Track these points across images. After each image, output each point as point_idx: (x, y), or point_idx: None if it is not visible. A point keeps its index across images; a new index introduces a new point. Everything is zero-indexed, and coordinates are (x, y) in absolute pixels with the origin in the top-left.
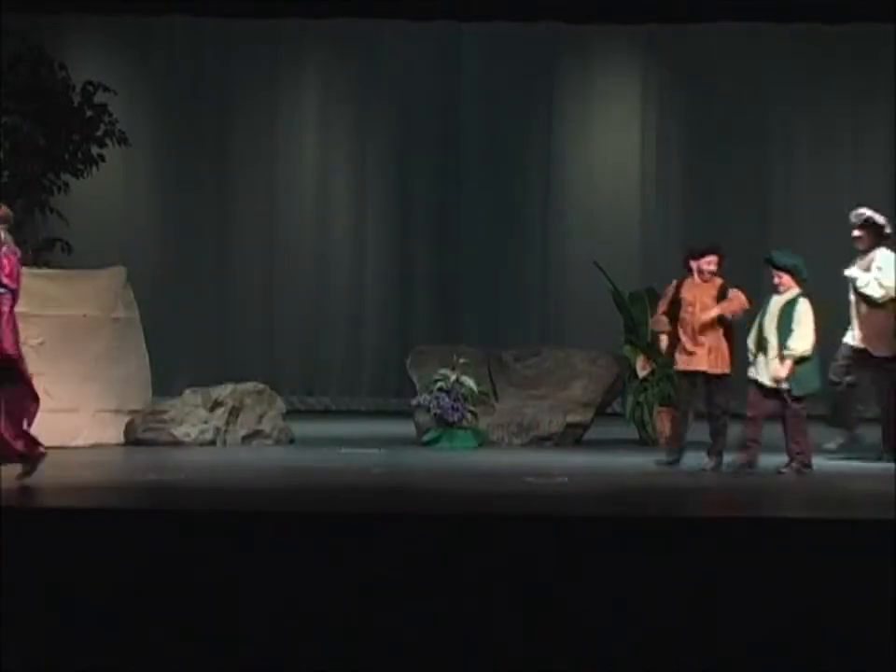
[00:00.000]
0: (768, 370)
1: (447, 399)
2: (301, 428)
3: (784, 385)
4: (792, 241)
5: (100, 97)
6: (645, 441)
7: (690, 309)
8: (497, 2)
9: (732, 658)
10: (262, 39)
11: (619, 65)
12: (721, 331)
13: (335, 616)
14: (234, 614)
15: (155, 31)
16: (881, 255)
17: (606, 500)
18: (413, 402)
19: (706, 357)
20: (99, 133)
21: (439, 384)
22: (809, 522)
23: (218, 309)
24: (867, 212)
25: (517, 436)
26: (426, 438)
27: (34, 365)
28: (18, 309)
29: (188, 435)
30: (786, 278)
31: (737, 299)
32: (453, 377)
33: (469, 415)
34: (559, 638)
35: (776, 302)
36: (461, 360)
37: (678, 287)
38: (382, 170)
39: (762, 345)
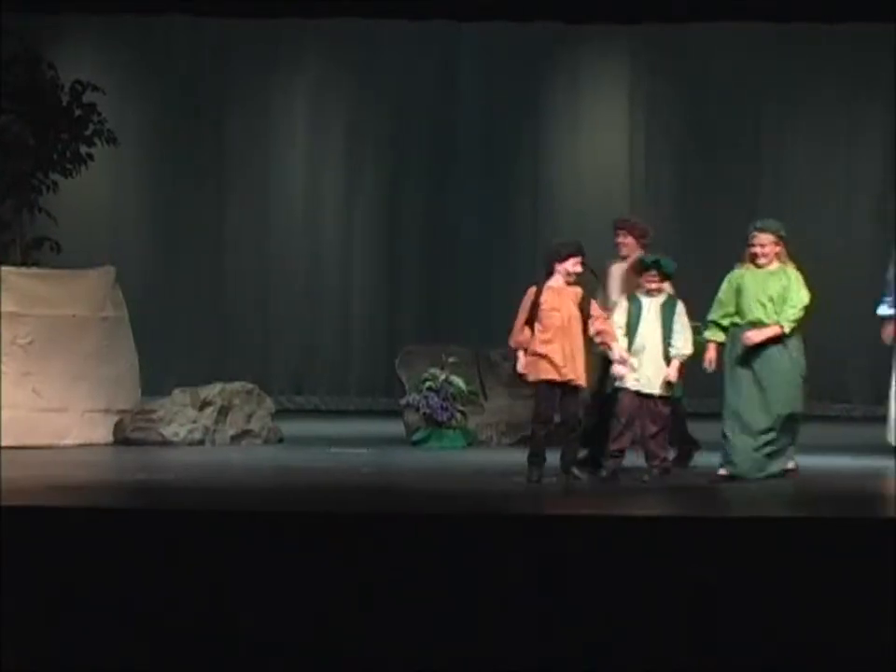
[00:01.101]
0: (649, 374)
1: (436, 399)
2: (291, 428)
3: (658, 391)
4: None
5: (89, 96)
6: None
7: (555, 315)
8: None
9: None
10: (256, 40)
11: (608, 66)
12: (581, 340)
13: (325, 615)
14: (224, 614)
15: (148, 31)
16: None
17: (591, 499)
18: (402, 402)
19: (570, 365)
20: (88, 133)
21: (428, 383)
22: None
23: (208, 309)
24: None
25: (506, 435)
26: (415, 437)
27: (22, 364)
28: (6, 308)
29: (176, 435)
30: (665, 283)
31: (608, 327)
32: (442, 376)
33: (458, 415)
34: (551, 638)
35: (651, 306)
36: (450, 360)
37: (538, 293)
38: (372, 171)
39: (639, 350)
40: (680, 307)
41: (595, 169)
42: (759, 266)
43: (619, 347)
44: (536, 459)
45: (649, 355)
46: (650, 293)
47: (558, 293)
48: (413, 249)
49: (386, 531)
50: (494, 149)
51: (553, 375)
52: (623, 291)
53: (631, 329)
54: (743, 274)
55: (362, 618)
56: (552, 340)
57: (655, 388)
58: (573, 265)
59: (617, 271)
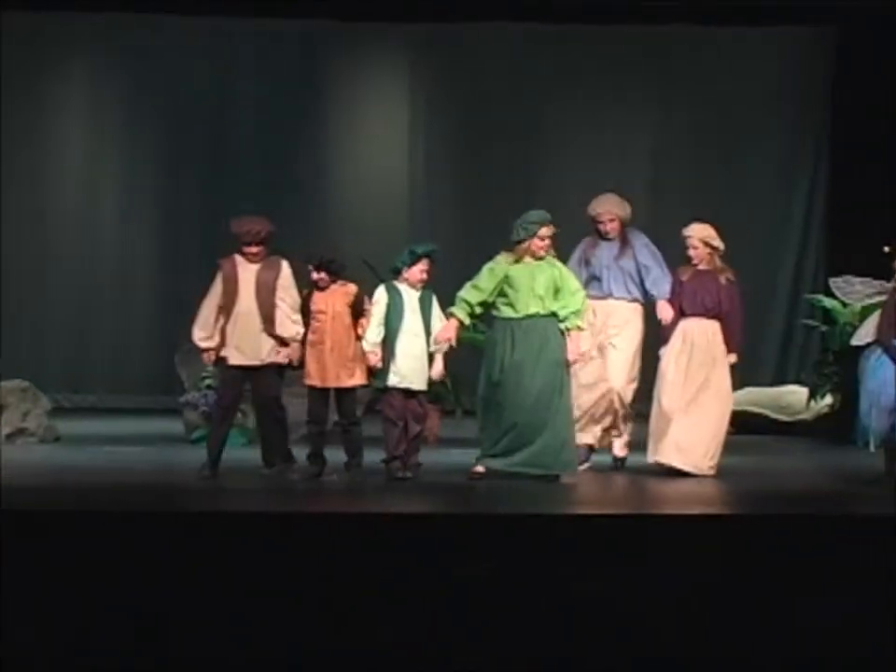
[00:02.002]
0: (412, 369)
1: (215, 397)
2: (67, 427)
3: (419, 386)
4: (559, 233)
5: None
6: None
7: (322, 317)
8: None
9: None
10: (30, 33)
11: (387, 65)
12: (349, 340)
13: (98, 615)
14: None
15: None
16: None
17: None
18: (182, 400)
19: (343, 369)
20: None
21: (207, 381)
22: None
23: None
24: None
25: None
26: (194, 436)
27: None
28: None
29: None
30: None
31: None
32: None
33: (237, 413)
34: (329, 633)
35: (411, 298)
36: None
37: (308, 295)
38: (151, 169)
39: (401, 346)
40: (435, 300)
41: (374, 171)
42: (539, 258)
43: (369, 343)
44: (314, 459)
45: (409, 349)
46: (413, 285)
47: (324, 296)
48: (193, 247)
49: (164, 530)
50: (273, 154)
51: (315, 381)
52: None
53: (392, 322)
54: (510, 267)
55: (139, 617)
56: (316, 343)
57: (417, 384)
58: (314, 273)
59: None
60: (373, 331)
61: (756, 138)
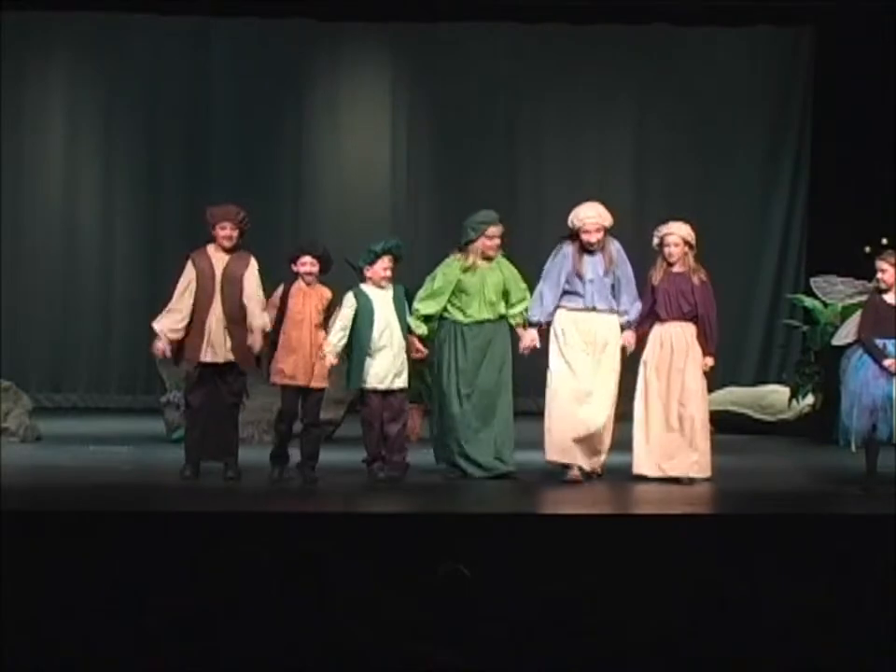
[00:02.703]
0: (389, 370)
1: None
2: (49, 426)
3: (399, 385)
4: (540, 231)
5: None
6: None
7: (298, 317)
8: None
9: None
10: (7, 30)
11: (368, 64)
12: (319, 341)
13: (85, 614)
14: None
15: None
16: None
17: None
18: (163, 399)
19: (311, 369)
20: None
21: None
22: None
23: None
24: None
25: (267, 433)
26: (175, 435)
27: None
28: None
29: None
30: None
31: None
32: None
33: None
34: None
35: (379, 299)
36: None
37: (285, 294)
38: (131, 168)
39: (376, 347)
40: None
41: (356, 168)
42: (489, 259)
43: (330, 346)
44: (277, 459)
45: (385, 349)
46: (378, 283)
47: (303, 294)
48: (174, 246)
49: (146, 529)
50: (254, 149)
51: (288, 380)
52: None
53: (363, 326)
54: (461, 274)
55: (123, 616)
56: (293, 342)
57: (396, 383)
58: (302, 265)
59: None
60: (336, 335)
61: (736, 139)
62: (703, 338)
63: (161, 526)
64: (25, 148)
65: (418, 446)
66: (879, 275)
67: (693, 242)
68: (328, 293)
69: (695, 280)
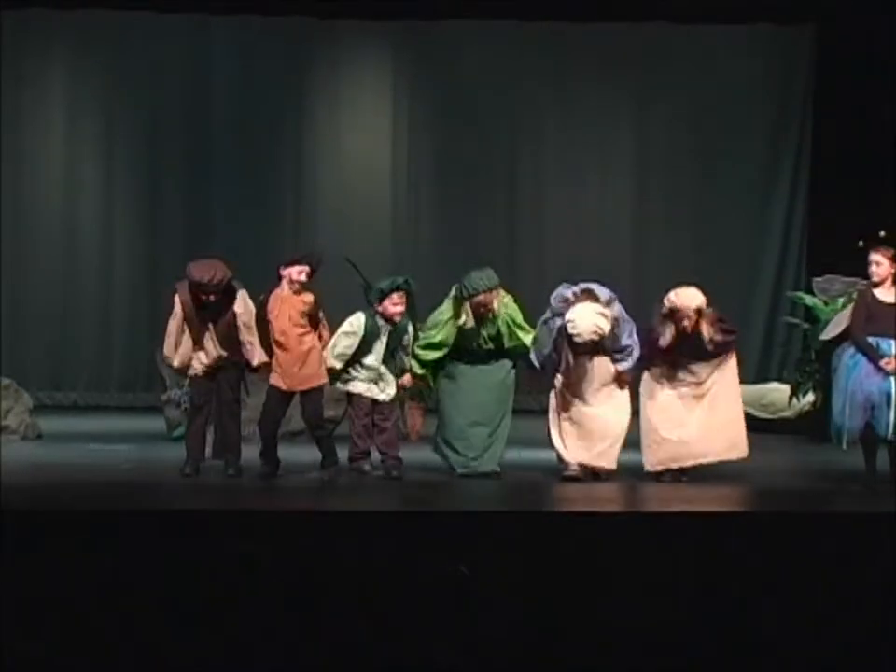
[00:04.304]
0: (378, 386)
1: None
2: (50, 424)
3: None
4: (540, 230)
5: None
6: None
7: (280, 324)
8: None
9: None
10: (5, 34)
11: (368, 64)
12: (304, 345)
13: (87, 613)
14: None
15: None
16: None
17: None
18: (164, 397)
19: (291, 373)
20: None
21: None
22: None
23: None
24: None
25: None
26: (175, 433)
27: None
28: None
29: None
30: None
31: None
32: None
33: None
34: (305, 631)
35: (385, 330)
36: None
37: (266, 299)
38: (131, 167)
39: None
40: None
41: (357, 166)
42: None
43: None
44: (265, 458)
45: (378, 372)
46: (390, 319)
47: (281, 301)
48: (174, 245)
49: (147, 527)
50: (255, 147)
51: (276, 382)
52: None
53: (362, 349)
54: (460, 324)
55: (124, 614)
56: (277, 350)
57: (381, 396)
58: (297, 273)
59: None
60: (340, 354)
61: (736, 138)
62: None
63: (161, 524)
64: (25, 148)
65: (418, 445)
66: (873, 268)
67: (705, 307)
68: (309, 297)
69: (713, 332)
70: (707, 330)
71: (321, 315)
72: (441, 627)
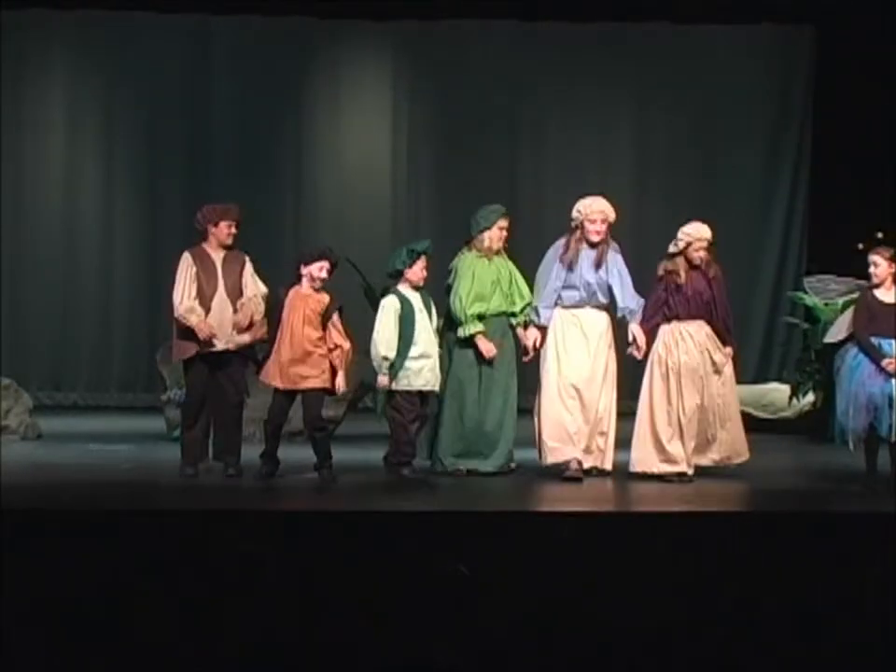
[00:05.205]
0: (432, 370)
1: None
2: (49, 424)
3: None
4: (540, 230)
5: None
6: None
7: (295, 322)
8: None
9: None
10: (5, 34)
11: (368, 63)
12: (313, 345)
13: (86, 613)
14: None
15: None
16: None
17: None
18: (163, 398)
19: (296, 370)
20: None
21: None
22: None
23: None
24: None
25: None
26: (176, 433)
27: None
28: None
29: None
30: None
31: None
32: None
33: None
34: (308, 632)
35: (418, 300)
36: None
37: (286, 293)
38: (131, 167)
39: (416, 349)
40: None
41: (356, 167)
42: (496, 251)
43: (383, 353)
44: (266, 458)
45: (424, 351)
46: (416, 285)
47: (299, 298)
48: (175, 245)
49: (147, 528)
50: (254, 148)
51: (276, 381)
52: None
53: (405, 329)
54: (476, 263)
55: (124, 614)
56: (281, 346)
57: (431, 384)
58: (318, 269)
59: None
60: (391, 342)
61: (737, 138)
62: (721, 330)
63: (161, 524)
64: (25, 148)
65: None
66: (872, 269)
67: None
68: (325, 297)
69: (711, 274)
70: (713, 267)
71: (335, 318)
72: (441, 627)
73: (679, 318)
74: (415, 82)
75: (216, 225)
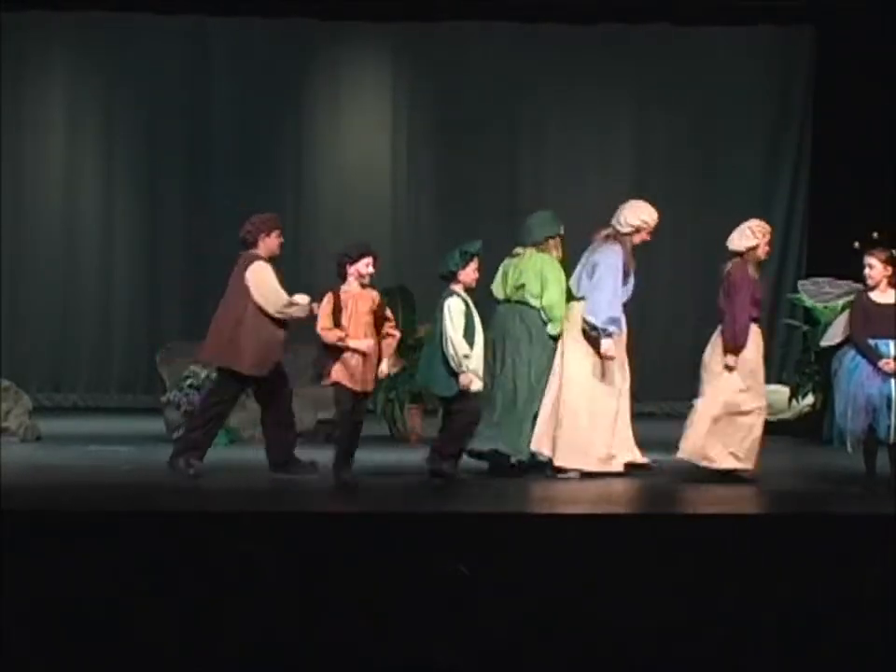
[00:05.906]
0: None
1: (198, 396)
2: (49, 426)
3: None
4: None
5: None
6: (396, 438)
7: (356, 322)
8: None
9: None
10: (5, 34)
11: (368, 64)
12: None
13: (85, 614)
14: None
15: None
16: None
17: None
18: (163, 399)
19: (369, 375)
20: None
21: (189, 380)
22: None
23: None
24: None
25: None
26: (175, 435)
27: None
28: None
29: None
30: None
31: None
32: (203, 374)
33: None
34: (316, 632)
35: (470, 302)
36: None
37: (336, 298)
38: (131, 167)
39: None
40: None
41: (356, 168)
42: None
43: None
44: (339, 468)
45: (479, 352)
46: (469, 286)
47: (354, 299)
48: (173, 247)
49: (147, 529)
50: (254, 149)
51: (350, 384)
52: None
53: (469, 330)
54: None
55: (124, 616)
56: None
57: (480, 385)
58: (365, 266)
59: None
60: (465, 346)
61: (736, 138)
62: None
63: (161, 526)
64: (25, 148)
65: (417, 447)
66: (867, 271)
67: None
68: (376, 294)
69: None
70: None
71: (388, 313)
72: (441, 627)
73: (755, 320)
74: (415, 82)
75: (268, 235)
